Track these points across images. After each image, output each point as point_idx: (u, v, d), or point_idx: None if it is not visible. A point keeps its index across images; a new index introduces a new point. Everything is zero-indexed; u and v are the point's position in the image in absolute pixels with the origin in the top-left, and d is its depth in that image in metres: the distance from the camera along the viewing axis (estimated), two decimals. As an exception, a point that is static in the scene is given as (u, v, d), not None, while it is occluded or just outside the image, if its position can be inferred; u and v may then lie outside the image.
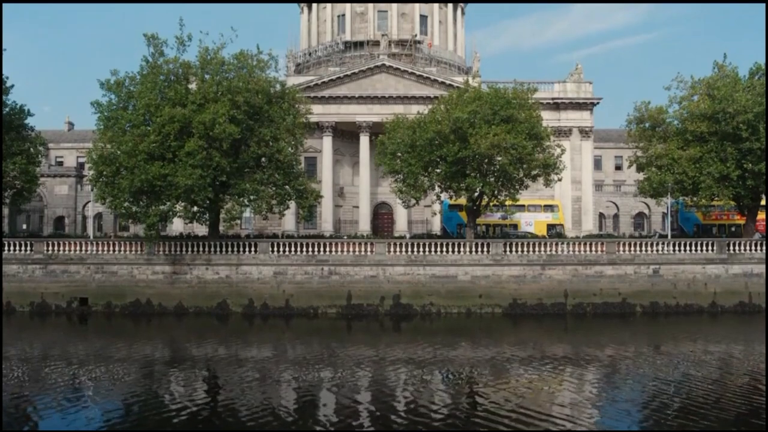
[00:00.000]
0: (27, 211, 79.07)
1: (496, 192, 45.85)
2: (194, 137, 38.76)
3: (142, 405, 21.90)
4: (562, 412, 20.70)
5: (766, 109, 43.98)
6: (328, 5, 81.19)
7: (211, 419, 20.35)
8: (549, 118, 61.12)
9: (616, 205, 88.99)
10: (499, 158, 42.84)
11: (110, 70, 42.29)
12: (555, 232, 58.38)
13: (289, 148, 44.38)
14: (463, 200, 49.59)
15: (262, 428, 19.27)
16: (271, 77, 43.80)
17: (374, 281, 41.80)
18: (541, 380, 25.22)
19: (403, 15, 79.06)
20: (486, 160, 43.61)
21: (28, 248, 43.33)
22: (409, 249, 42.58)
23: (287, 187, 43.94)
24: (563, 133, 67.02)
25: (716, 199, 48.82)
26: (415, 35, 76.70)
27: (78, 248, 43.35)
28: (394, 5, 78.48)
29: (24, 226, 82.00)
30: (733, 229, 59.87)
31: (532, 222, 59.57)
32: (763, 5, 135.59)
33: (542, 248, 43.11)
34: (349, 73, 67.64)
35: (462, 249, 42.66)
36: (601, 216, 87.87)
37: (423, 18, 79.82)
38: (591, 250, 43.29)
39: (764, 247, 43.94)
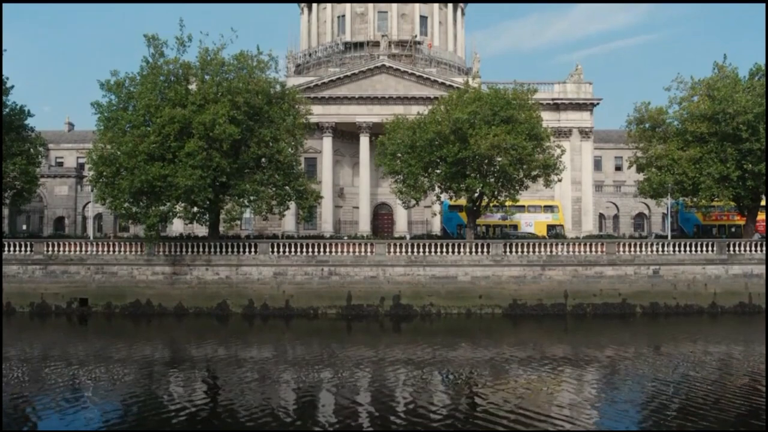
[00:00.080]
0: (27, 211, 78.98)
1: (496, 193, 45.86)
2: (194, 138, 38.81)
3: (141, 405, 21.93)
4: (561, 413, 20.74)
5: (766, 110, 43.98)
6: (328, 6, 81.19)
7: (210, 420, 20.37)
8: (549, 119, 61.19)
9: (616, 206, 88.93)
10: (499, 159, 42.86)
11: (110, 71, 42.43)
12: (555, 232, 58.40)
13: (289, 149, 44.40)
14: (463, 201, 49.60)
15: (261, 429, 19.29)
16: (271, 78, 43.86)
17: (374, 282, 41.81)
18: (541, 381, 25.24)
19: (403, 16, 79.05)
20: (486, 161, 43.64)
21: (28, 249, 43.37)
22: (409, 249, 42.61)
23: (287, 187, 43.99)
24: (563, 133, 67.02)
25: (716, 199, 48.87)
26: (415, 36, 76.69)
27: (78, 249, 43.37)
28: (394, 6, 78.46)
29: (24, 227, 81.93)
30: (733, 229, 59.88)
31: (532, 222, 59.61)
32: (763, 5, 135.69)
33: (542, 249, 43.13)
34: (349, 73, 67.70)
35: (462, 250, 42.69)
36: (601, 216, 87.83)
37: (423, 19, 79.81)
38: (591, 251, 43.32)
39: (764, 248, 43.95)
